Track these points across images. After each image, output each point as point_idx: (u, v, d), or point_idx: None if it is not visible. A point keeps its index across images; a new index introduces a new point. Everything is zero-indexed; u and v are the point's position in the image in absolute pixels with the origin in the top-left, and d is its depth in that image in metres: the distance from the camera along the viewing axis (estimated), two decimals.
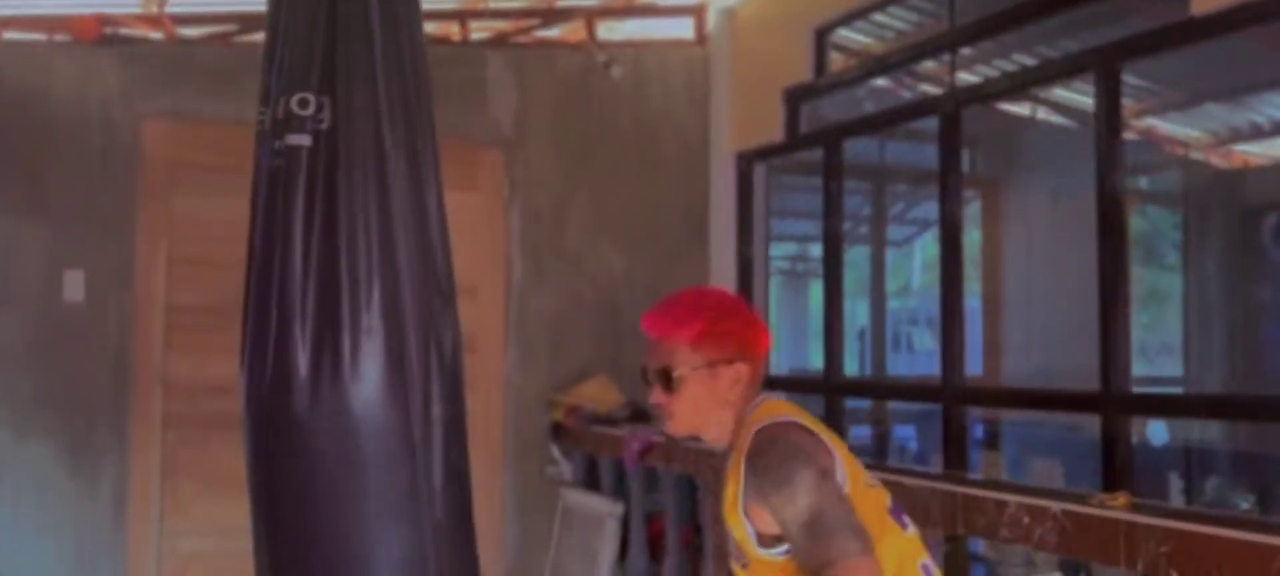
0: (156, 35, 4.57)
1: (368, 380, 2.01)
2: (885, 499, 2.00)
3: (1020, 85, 4.40)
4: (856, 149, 4.92)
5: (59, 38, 4.44)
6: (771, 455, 1.90)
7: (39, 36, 4.45)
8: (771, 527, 1.88)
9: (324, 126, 2.03)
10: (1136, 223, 7.17)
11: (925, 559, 2.00)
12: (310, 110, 2.04)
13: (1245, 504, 4.91)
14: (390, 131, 2.06)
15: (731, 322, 2.06)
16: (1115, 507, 2.36)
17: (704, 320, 2.04)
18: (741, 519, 1.92)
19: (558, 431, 4.81)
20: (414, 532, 2.03)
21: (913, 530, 2.01)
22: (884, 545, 1.87)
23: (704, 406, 2.03)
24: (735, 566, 2.01)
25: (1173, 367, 7.21)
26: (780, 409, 2.03)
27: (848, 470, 1.93)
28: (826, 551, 1.79)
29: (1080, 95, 5.43)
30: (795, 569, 1.86)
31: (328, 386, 1.98)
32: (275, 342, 2.01)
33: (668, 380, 2.04)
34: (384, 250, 2.03)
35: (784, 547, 1.88)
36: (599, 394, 4.70)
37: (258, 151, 2.10)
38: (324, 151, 2.03)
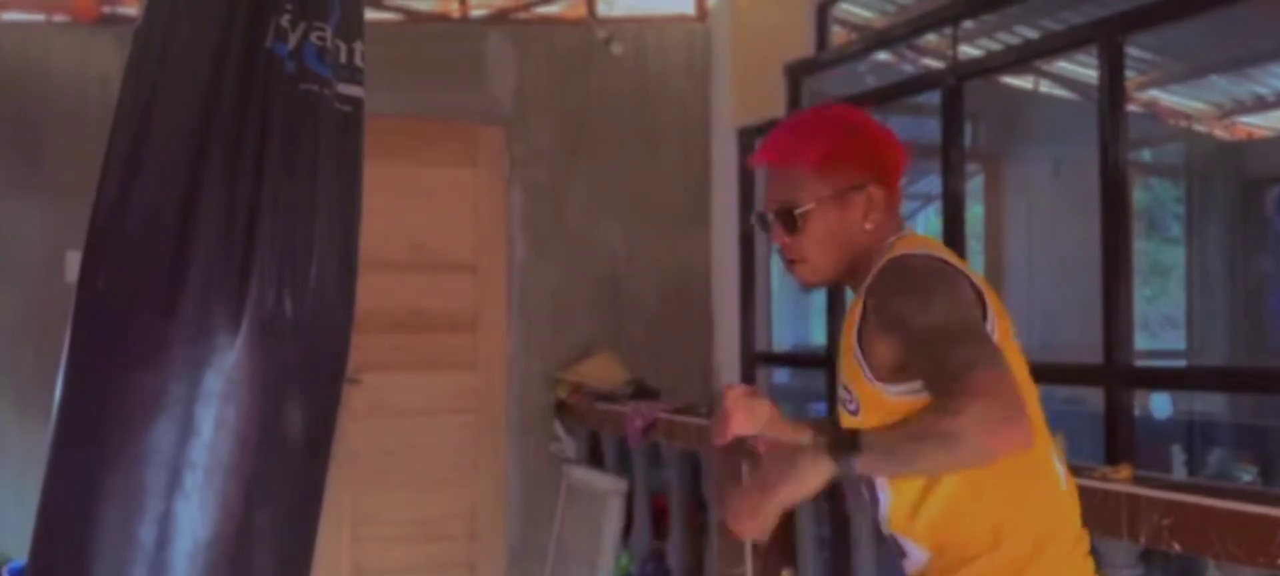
0: None
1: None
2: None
3: (1023, 58, 4.38)
4: None
5: (58, 18, 4.43)
6: (906, 271, 1.61)
7: (38, 17, 4.44)
8: (889, 358, 1.59)
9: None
10: (1139, 195, 7.15)
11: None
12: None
13: (1248, 476, 4.91)
14: None
15: (860, 139, 1.73)
16: (1118, 480, 2.36)
17: (828, 139, 1.71)
18: (855, 353, 1.64)
19: (561, 408, 4.82)
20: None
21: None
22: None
23: (838, 243, 1.71)
24: (844, 415, 1.70)
25: (1176, 341, 7.21)
26: (923, 242, 1.73)
27: (999, 327, 1.62)
28: (961, 354, 1.46)
29: (1083, 68, 5.41)
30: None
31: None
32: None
33: (791, 218, 1.71)
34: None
35: (906, 386, 1.58)
36: (602, 371, 4.71)
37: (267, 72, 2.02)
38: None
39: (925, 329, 1.52)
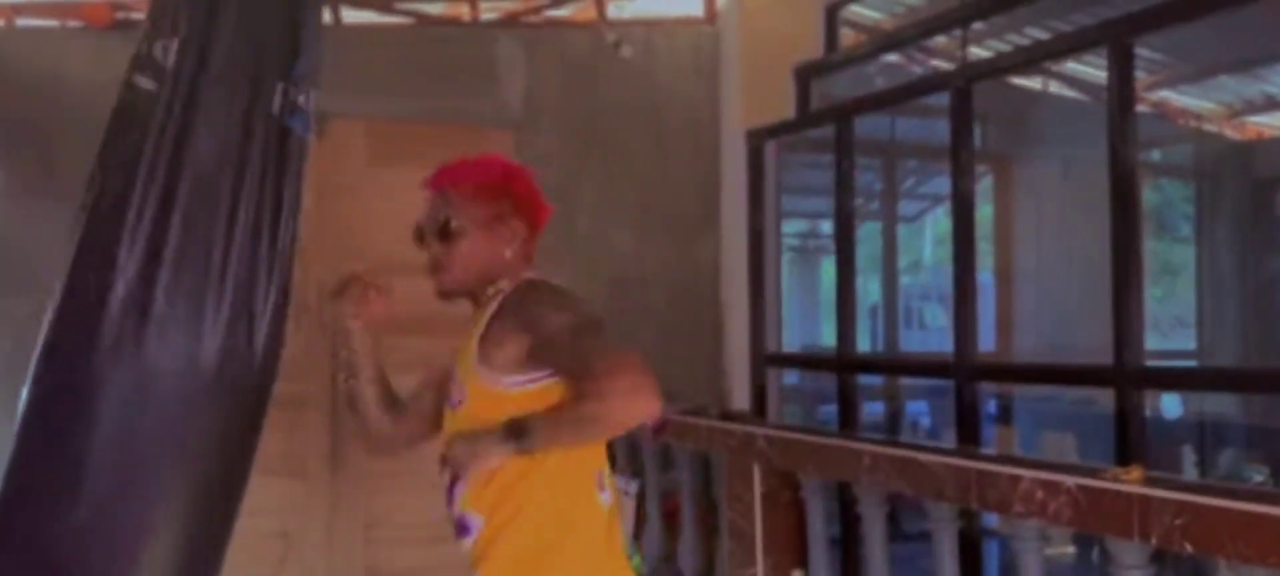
0: None
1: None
2: None
3: (1032, 59, 4.38)
4: (868, 125, 4.91)
5: (72, 24, 4.46)
6: (542, 286, 1.98)
7: (52, 23, 4.47)
8: (513, 355, 1.89)
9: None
10: (1149, 196, 7.15)
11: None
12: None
13: (1259, 477, 4.91)
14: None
15: (517, 182, 2.08)
16: (1129, 481, 2.36)
17: (486, 174, 2.05)
18: (474, 355, 1.93)
19: None
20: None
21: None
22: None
23: (478, 262, 2.01)
24: (446, 412, 2.02)
25: (1186, 341, 7.20)
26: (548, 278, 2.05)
27: None
28: (596, 344, 1.83)
29: (1092, 69, 5.41)
30: (522, 402, 1.87)
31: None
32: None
33: (445, 231, 2.00)
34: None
35: (521, 377, 1.89)
36: None
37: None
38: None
39: (563, 326, 1.86)
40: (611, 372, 1.76)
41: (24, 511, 1.97)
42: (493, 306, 1.97)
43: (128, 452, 1.98)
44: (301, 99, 2.07)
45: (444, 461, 1.92)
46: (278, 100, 2.06)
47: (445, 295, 2.06)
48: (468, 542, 1.97)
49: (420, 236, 2.04)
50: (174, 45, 2.00)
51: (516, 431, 1.82)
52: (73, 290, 2.02)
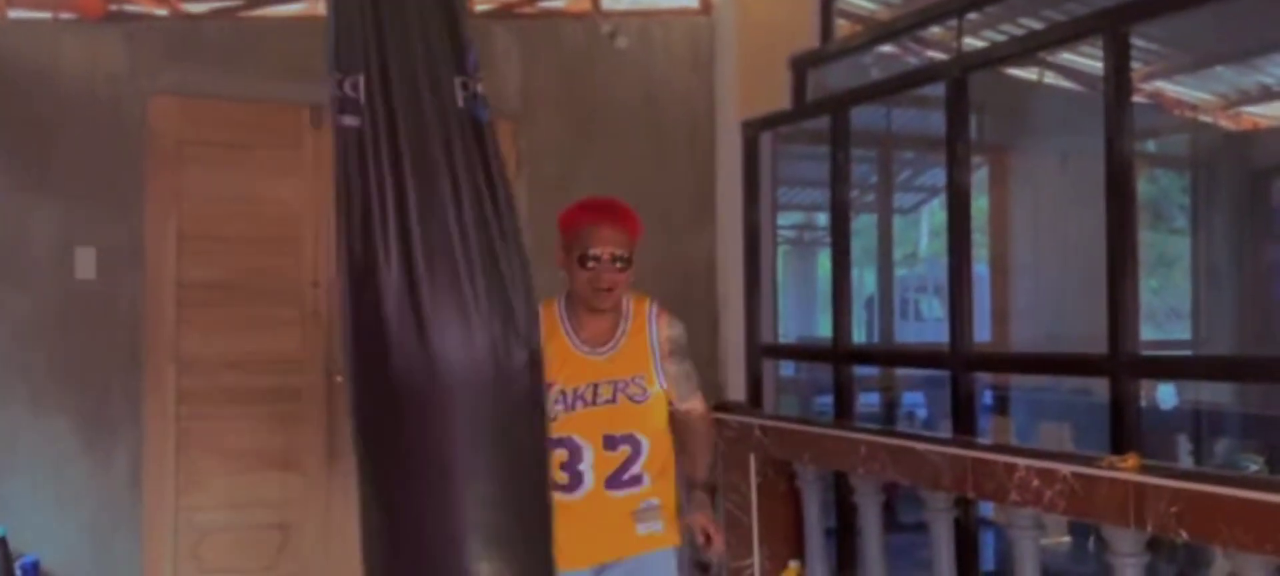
0: (162, 12, 4.57)
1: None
2: None
3: (1027, 49, 4.37)
4: (863, 116, 4.90)
5: (65, 15, 4.44)
6: (674, 320, 2.88)
7: (44, 15, 4.45)
8: (665, 372, 2.82)
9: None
10: (1145, 187, 7.15)
11: None
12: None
13: (1254, 465, 4.92)
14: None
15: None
16: (1124, 469, 2.37)
17: (635, 216, 2.91)
18: (656, 363, 2.80)
19: None
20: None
21: None
22: None
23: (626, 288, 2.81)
24: (627, 402, 2.75)
25: (1182, 332, 7.21)
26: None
27: None
28: (697, 381, 2.94)
29: (1088, 59, 5.41)
30: (662, 399, 2.82)
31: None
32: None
33: (628, 262, 2.80)
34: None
35: (661, 389, 2.82)
36: None
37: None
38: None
39: (688, 369, 2.90)
40: (704, 402, 2.99)
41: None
42: (645, 326, 2.84)
43: (437, 450, 2.12)
44: (479, 88, 2.20)
45: (704, 535, 2.92)
46: (460, 95, 2.17)
47: (610, 309, 2.79)
48: (637, 490, 2.78)
49: (593, 260, 2.77)
50: (360, 80, 2.12)
51: (709, 487, 2.99)
52: (358, 326, 2.13)
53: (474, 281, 2.15)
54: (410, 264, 2.10)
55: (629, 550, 2.78)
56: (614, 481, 2.75)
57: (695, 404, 2.92)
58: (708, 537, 2.90)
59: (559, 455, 2.70)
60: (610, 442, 2.74)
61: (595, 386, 2.74)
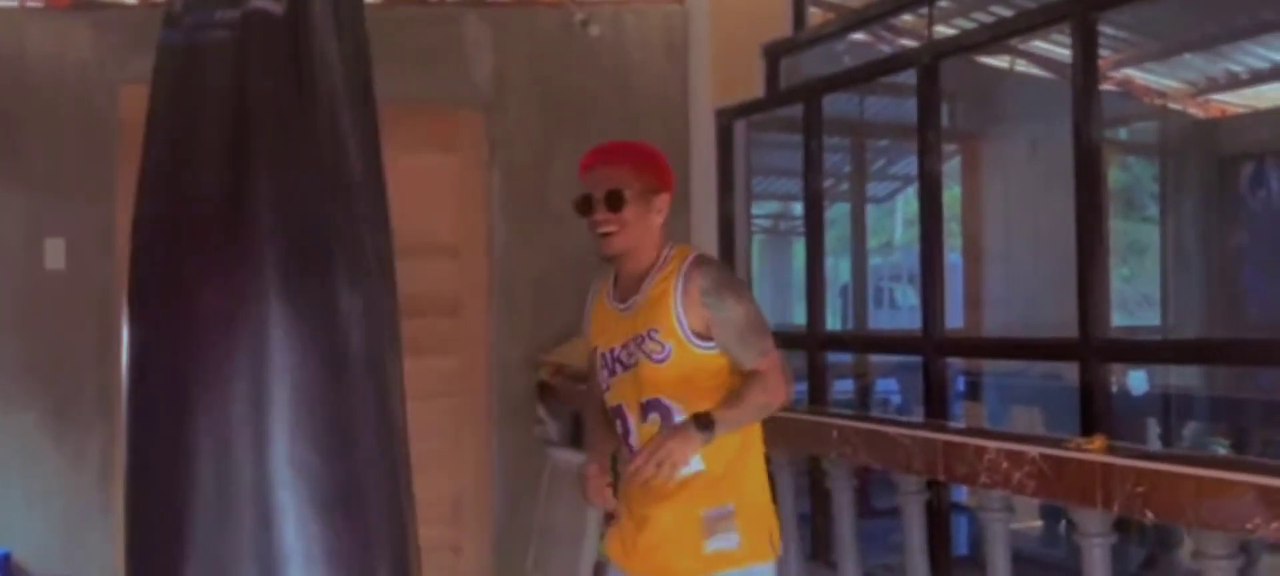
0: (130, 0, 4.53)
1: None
2: None
3: (997, 36, 4.41)
4: (837, 105, 4.92)
5: (31, 3, 4.39)
6: (724, 269, 2.49)
7: (11, 3, 4.40)
8: (699, 323, 2.31)
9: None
10: (1118, 175, 7.21)
11: None
12: None
13: (1222, 448, 4.99)
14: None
15: (663, 160, 2.48)
16: (1092, 450, 2.40)
17: (642, 152, 2.47)
18: (676, 314, 2.31)
19: (543, 391, 4.83)
20: None
21: None
22: None
23: (639, 227, 2.39)
24: (646, 361, 2.33)
25: (1152, 318, 7.28)
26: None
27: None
28: (765, 341, 2.34)
29: (1058, 47, 5.44)
30: (709, 365, 2.31)
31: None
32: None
33: (615, 199, 2.35)
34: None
35: (708, 344, 2.31)
36: (584, 352, 4.72)
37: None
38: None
39: (742, 316, 2.33)
40: (773, 369, 2.31)
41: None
42: (674, 274, 2.36)
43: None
44: None
45: (654, 458, 2.20)
46: None
47: (610, 256, 2.42)
48: (687, 473, 2.30)
49: (587, 205, 2.38)
50: None
51: (706, 424, 2.21)
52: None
53: None
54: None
55: (694, 572, 2.32)
56: None
57: (761, 364, 2.32)
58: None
59: (618, 428, 2.43)
60: (643, 410, 2.36)
61: (627, 346, 2.38)
